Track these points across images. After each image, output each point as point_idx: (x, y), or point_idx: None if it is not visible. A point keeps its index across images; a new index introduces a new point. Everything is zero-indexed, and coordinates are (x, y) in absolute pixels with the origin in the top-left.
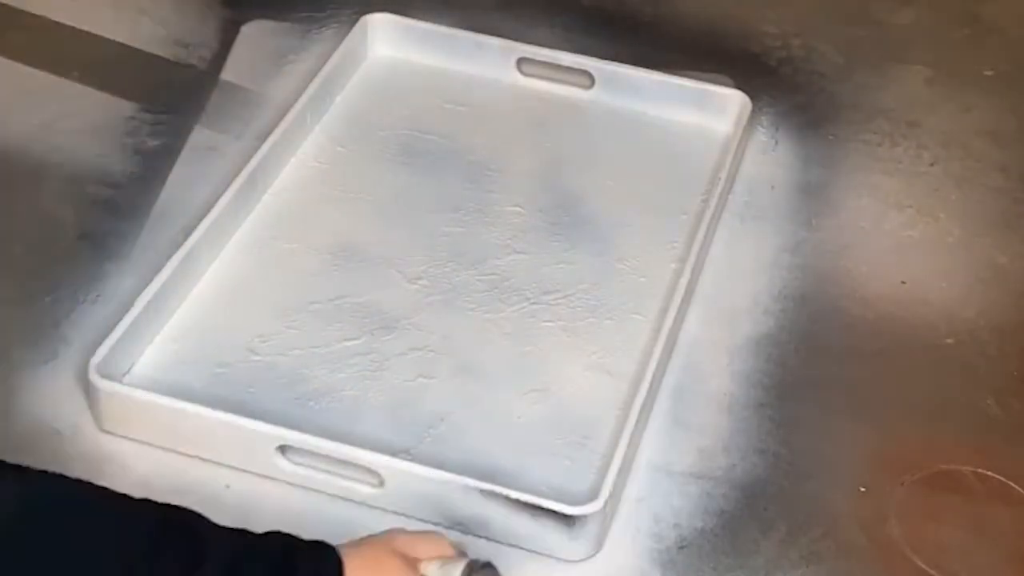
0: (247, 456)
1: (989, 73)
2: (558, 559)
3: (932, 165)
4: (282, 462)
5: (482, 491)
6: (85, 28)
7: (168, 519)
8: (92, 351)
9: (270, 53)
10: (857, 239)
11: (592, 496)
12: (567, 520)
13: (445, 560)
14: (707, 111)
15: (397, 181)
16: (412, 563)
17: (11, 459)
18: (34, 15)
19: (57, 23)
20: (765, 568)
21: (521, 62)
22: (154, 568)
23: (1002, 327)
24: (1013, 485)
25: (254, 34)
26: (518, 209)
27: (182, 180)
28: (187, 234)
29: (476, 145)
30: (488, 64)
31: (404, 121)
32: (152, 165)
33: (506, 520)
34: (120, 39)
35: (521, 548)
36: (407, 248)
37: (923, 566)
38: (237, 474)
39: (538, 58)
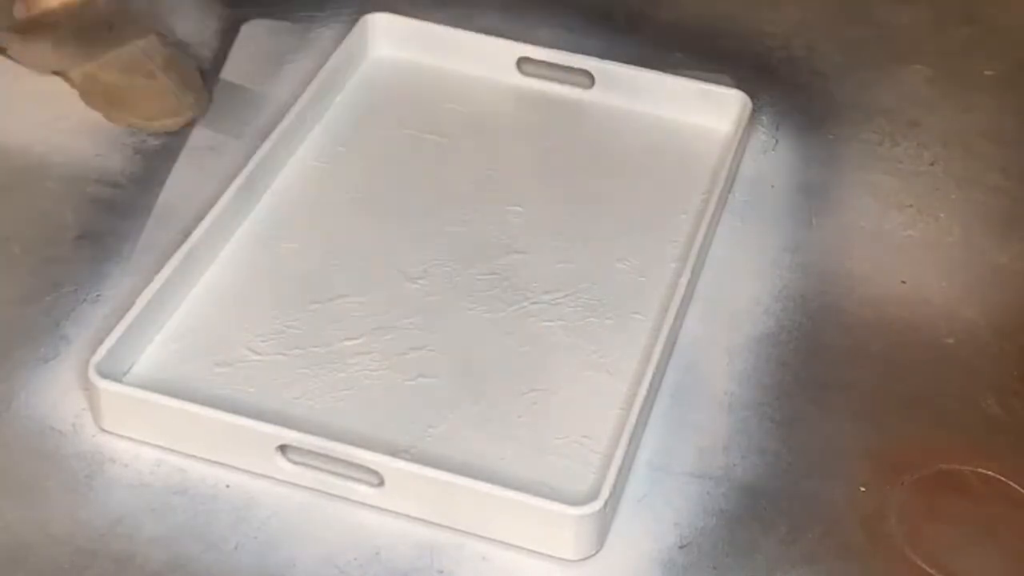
0: (247, 456)
1: (989, 73)
2: (558, 559)
3: (932, 165)
4: (282, 462)
5: (482, 491)
6: None
7: None
8: (92, 350)
9: (270, 53)
10: (857, 239)
11: (592, 496)
12: (567, 520)
13: None
14: (707, 111)
15: (397, 181)
16: None
17: (10, 458)
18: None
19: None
20: (765, 568)
21: (521, 62)
22: None
23: (1002, 327)
24: (1013, 485)
25: (254, 34)
26: (518, 209)
27: (182, 180)
28: (187, 234)
29: (476, 145)
30: (488, 64)
31: (404, 121)
32: (152, 165)
33: (506, 520)
34: None
35: (521, 548)
36: (407, 248)
37: (923, 566)
38: (237, 474)
39: (538, 58)
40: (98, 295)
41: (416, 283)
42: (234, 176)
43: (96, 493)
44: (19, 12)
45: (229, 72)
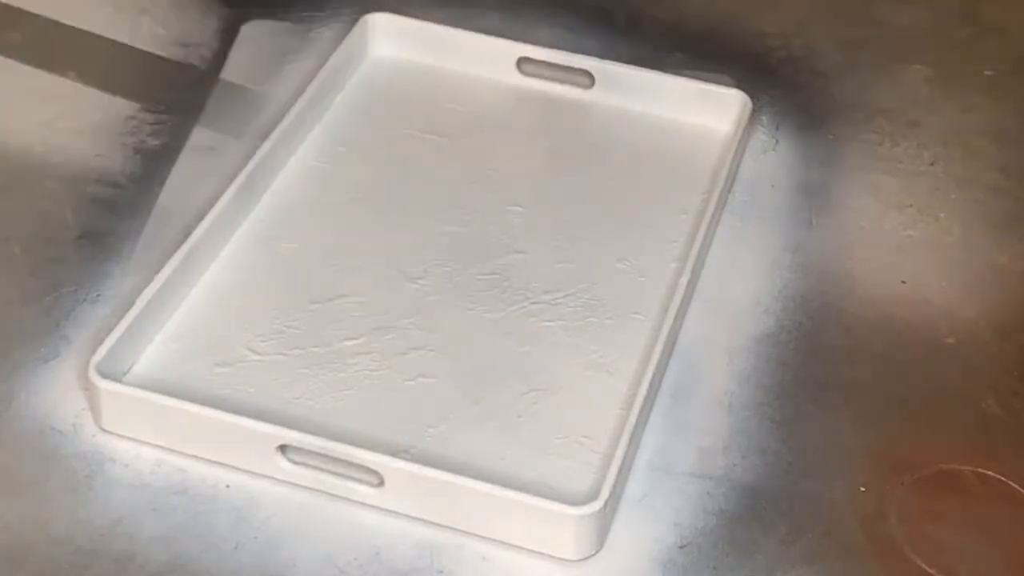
0: (247, 456)
1: (989, 73)
2: (558, 559)
3: (932, 165)
4: (282, 462)
5: (482, 491)
6: (85, 28)
7: None
8: (92, 350)
9: (270, 53)
10: (857, 239)
11: (592, 496)
12: (567, 520)
13: None
14: (707, 111)
15: (397, 181)
16: None
17: (10, 458)
18: (34, 15)
19: (57, 23)
20: (765, 567)
21: (521, 62)
22: None
23: (1002, 327)
24: (1013, 485)
25: (254, 34)
26: (518, 209)
27: (182, 180)
28: (187, 234)
29: (476, 145)
30: (488, 64)
31: (404, 121)
32: (152, 165)
33: (506, 520)
34: (120, 39)
35: (521, 548)
36: (407, 248)
37: (923, 566)
38: (237, 474)
39: (538, 58)
40: (98, 295)
41: (416, 283)
42: (234, 176)
43: (96, 493)
44: None
45: (229, 72)
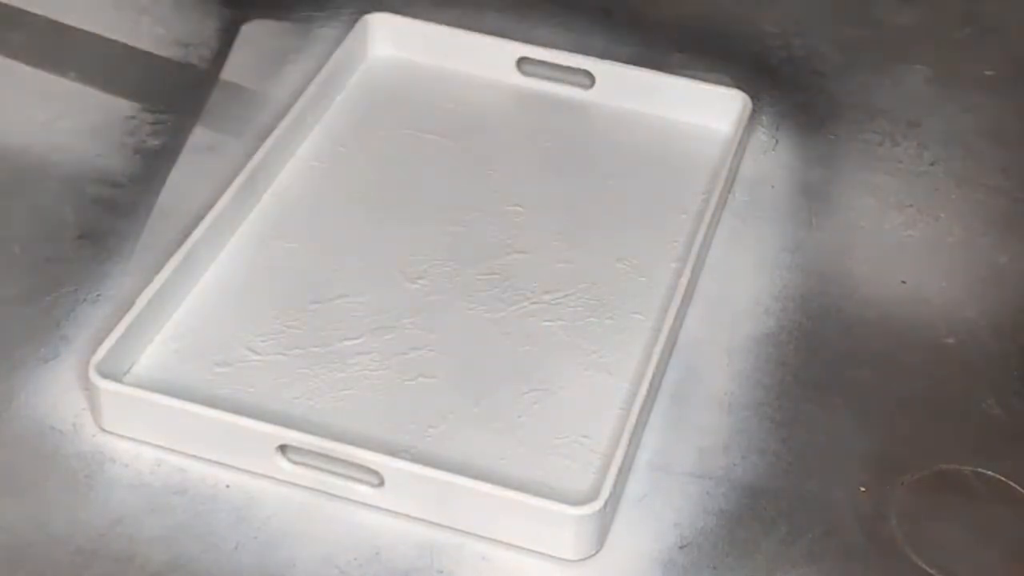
0: (247, 456)
1: (990, 73)
2: (558, 559)
3: (933, 165)
4: (282, 462)
5: (482, 491)
6: (85, 28)
7: None
8: (92, 350)
9: (270, 53)
10: (857, 239)
11: (592, 496)
12: (567, 520)
13: None
14: (707, 111)
15: (397, 181)
16: None
17: (10, 458)
18: (34, 15)
19: (57, 23)
20: (765, 568)
21: (521, 62)
22: None
23: (1002, 327)
24: (1013, 485)
25: (254, 34)
26: (518, 209)
27: (182, 180)
28: (187, 234)
29: (476, 145)
30: (488, 64)
31: (404, 121)
32: (152, 165)
33: (506, 520)
34: (120, 39)
35: (521, 548)
36: (407, 248)
37: (923, 566)
38: (237, 474)
39: (538, 58)
40: (98, 295)
41: (416, 283)
42: (234, 176)
43: (96, 493)
44: None
45: (229, 72)
